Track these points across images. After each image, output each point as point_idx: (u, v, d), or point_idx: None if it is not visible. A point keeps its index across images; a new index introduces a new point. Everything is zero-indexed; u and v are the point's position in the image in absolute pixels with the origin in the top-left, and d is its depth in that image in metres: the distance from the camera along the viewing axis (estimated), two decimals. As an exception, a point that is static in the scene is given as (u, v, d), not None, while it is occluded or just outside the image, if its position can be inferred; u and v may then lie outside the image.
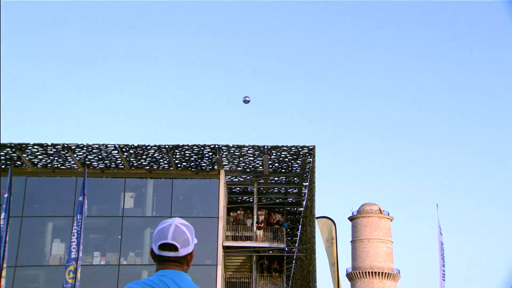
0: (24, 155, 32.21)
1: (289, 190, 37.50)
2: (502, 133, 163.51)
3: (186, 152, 31.93)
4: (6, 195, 25.76)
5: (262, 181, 35.79)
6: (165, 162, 33.05)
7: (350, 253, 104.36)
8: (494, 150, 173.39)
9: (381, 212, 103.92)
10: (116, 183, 33.90)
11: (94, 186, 31.86)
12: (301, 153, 32.26)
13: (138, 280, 3.05)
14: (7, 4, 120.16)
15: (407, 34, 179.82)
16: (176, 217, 3.16)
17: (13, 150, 31.68)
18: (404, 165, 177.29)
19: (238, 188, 37.39)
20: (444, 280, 31.74)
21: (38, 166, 33.43)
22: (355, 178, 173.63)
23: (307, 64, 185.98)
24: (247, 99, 28.90)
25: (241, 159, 32.92)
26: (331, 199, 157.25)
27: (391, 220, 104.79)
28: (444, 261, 32.13)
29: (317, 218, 33.47)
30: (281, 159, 32.94)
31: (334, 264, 33.62)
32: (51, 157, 32.56)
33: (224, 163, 33.23)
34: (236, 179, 35.61)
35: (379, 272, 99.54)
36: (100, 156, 32.46)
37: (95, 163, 33.18)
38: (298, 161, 33.27)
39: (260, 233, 34.51)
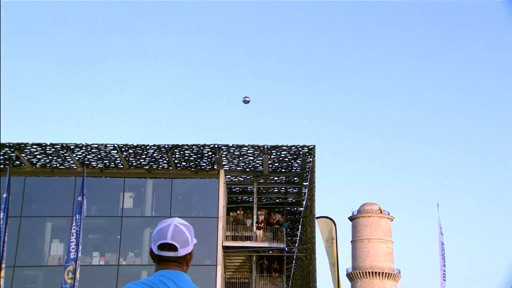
0: (23, 154, 32.10)
1: (289, 190, 37.40)
2: (502, 133, 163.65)
3: (186, 151, 31.83)
4: (4, 195, 25.64)
5: (262, 181, 35.69)
6: (165, 161, 32.95)
7: (350, 253, 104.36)
8: (494, 150, 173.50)
9: (381, 212, 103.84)
10: (115, 183, 33.80)
11: (93, 186, 31.79)
12: (301, 152, 32.15)
13: (137, 280, 3.03)
14: (7, 4, 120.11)
15: (407, 34, 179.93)
16: (176, 217, 3.15)
17: (12, 149, 31.58)
18: (404, 165, 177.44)
19: (238, 188, 37.28)
20: (444, 280, 31.62)
21: (37, 166, 33.32)
22: (355, 178, 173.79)
23: (307, 64, 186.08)
24: (247, 99, 28.82)
25: (240, 158, 32.82)
26: (331, 199, 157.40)
27: (392, 220, 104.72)
28: (444, 261, 32.02)
29: (317, 218, 33.37)
30: (281, 158, 32.83)
31: (334, 264, 33.49)
32: (50, 157, 32.45)
33: (223, 162, 33.13)
34: (236, 179, 35.50)
35: (379, 272, 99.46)
36: (99, 156, 32.36)
37: (94, 163, 33.07)
38: (298, 161, 33.17)
39: (260, 233, 34.41)
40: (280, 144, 31.33)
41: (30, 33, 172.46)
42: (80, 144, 31.03)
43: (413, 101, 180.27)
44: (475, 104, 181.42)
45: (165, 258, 3.06)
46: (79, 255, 24.53)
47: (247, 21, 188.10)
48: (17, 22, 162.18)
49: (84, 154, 32.14)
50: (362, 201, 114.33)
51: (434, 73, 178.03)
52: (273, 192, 37.68)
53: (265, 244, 34.23)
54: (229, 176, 34.77)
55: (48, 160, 32.85)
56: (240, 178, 35.42)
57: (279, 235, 34.45)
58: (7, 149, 31.49)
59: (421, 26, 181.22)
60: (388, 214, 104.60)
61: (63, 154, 32.09)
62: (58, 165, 33.33)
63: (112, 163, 33.22)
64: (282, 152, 32.14)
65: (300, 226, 40.93)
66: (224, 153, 32.02)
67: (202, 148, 31.43)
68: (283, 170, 34.36)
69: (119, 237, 33.09)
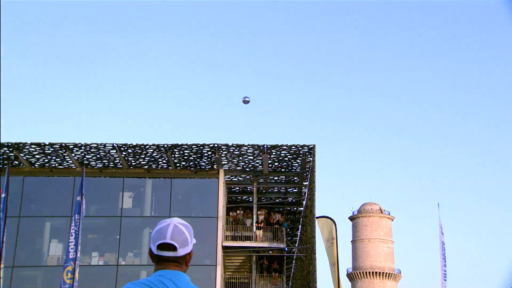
0: (21, 154, 31.99)
1: (289, 190, 37.29)
2: (502, 133, 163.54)
3: (185, 151, 31.72)
4: (3, 195, 25.52)
5: (261, 180, 35.58)
6: (164, 161, 32.85)
7: (350, 253, 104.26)
8: (494, 150, 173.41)
9: (381, 212, 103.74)
10: (115, 183, 33.72)
11: (92, 185, 31.69)
12: (301, 152, 32.04)
13: (136, 280, 3.01)
14: (7, 4, 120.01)
15: (407, 34, 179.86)
16: (175, 217, 3.15)
17: (11, 149, 31.47)
18: (404, 165, 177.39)
19: (238, 188, 37.17)
20: (445, 280, 31.52)
21: (36, 165, 33.22)
22: (355, 178, 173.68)
23: (307, 63, 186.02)
24: (247, 99, 28.74)
25: (240, 158, 32.71)
26: (331, 198, 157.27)
27: (392, 220, 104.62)
28: (445, 261, 31.92)
29: (317, 217, 33.26)
30: (281, 158, 32.72)
31: (335, 264, 33.37)
32: (48, 157, 32.35)
33: (223, 162, 33.02)
34: (236, 179, 35.38)
35: (379, 272, 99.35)
36: (98, 156, 32.25)
37: (93, 162, 32.97)
38: (298, 160, 33.06)
39: (259, 233, 34.30)
40: (280, 144, 31.22)
41: (30, 32, 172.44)
42: (79, 143, 30.93)
43: (413, 101, 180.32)
44: (475, 104, 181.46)
45: (165, 258, 3.04)
46: (78, 255, 24.43)
47: (247, 21, 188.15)
48: (17, 22, 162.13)
49: (83, 154, 32.03)
50: (362, 201, 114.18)
51: (434, 73, 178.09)
52: (273, 191, 37.58)
53: (265, 244, 34.12)
54: (229, 176, 34.66)
55: (47, 160, 32.74)
56: (239, 178, 35.31)
57: (279, 235, 34.35)
58: (6, 148, 31.39)
59: (421, 26, 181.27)
60: (389, 214, 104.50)
61: (62, 153, 31.98)
62: (57, 165, 33.22)
63: (111, 163, 33.12)
64: (282, 152, 32.03)
65: (300, 226, 40.83)
66: (223, 152, 31.91)
67: (201, 147, 31.32)
68: (283, 169, 34.25)
69: (118, 237, 32.99)
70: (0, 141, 30.67)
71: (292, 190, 37.38)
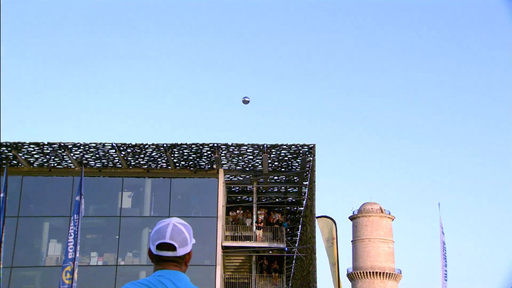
0: (20, 154, 31.88)
1: (289, 189, 37.19)
2: (502, 133, 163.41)
3: (185, 151, 31.62)
4: (1, 195, 25.40)
5: (261, 180, 35.47)
6: (163, 161, 32.75)
7: (351, 253, 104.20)
8: (494, 150, 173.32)
9: (382, 212, 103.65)
10: (114, 183, 33.63)
11: (91, 185, 31.58)
12: (301, 151, 31.93)
13: (135, 280, 3.00)
14: (7, 4, 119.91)
15: (407, 34, 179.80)
16: (174, 217, 3.15)
17: (9, 149, 31.36)
18: (404, 165, 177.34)
19: (237, 187, 37.07)
20: (446, 280, 31.40)
21: (34, 165, 33.10)
22: (355, 177, 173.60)
23: (307, 63, 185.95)
24: (247, 99, 28.66)
25: (240, 158, 32.61)
26: (331, 198, 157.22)
27: (392, 220, 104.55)
28: (446, 261, 31.81)
29: (317, 217, 33.15)
30: (280, 158, 32.61)
31: (335, 264, 33.24)
32: (47, 156, 32.24)
33: (223, 162, 32.91)
34: (235, 178, 35.27)
35: (380, 272, 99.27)
36: (97, 155, 32.15)
37: (92, 162, 32.86)
38: (298, 160, 32.95)
39: (259, 233, 34.20)
40: (280, 143, 31.11)
41: (30, 32, 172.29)
42: (78, 143, 30.82)
43: (413, 101, 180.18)
44: (475, 104, 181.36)
45: (164, 258, 3.03)
46: (77, 255, 24.34)
47: (247, 21, 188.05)
48: (17, 21, 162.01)
49: (82, 154, 31.93)
50: (362, 201, 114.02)
51: (434, 73, 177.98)
52: (273, 191, 37.48)
53: (265, 244, 34.03)
54: (229, 176, 34.54)
55: (45, 160, 32.63)
56: (239, 178, 35.19)
57: (279, 235, 34.24)
58: (4, 148, 31.28)
59: (421, 26, 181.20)
60: (389, 213, 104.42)
61: (60, 153, 31.87)
62: (55, 164, 33.11)
63: (111, 163, 33.02)
64: (282, 151, 31.91)
65: (300, 226, 40.73)
66: (223, 152, 31.80)
67: (201, 147, 31.22)
68: (283, 169, 34.14)
69: (117, 237, 32.89)
70: (-1, 141, 30.60)
71: (292, 190, 37.28)
